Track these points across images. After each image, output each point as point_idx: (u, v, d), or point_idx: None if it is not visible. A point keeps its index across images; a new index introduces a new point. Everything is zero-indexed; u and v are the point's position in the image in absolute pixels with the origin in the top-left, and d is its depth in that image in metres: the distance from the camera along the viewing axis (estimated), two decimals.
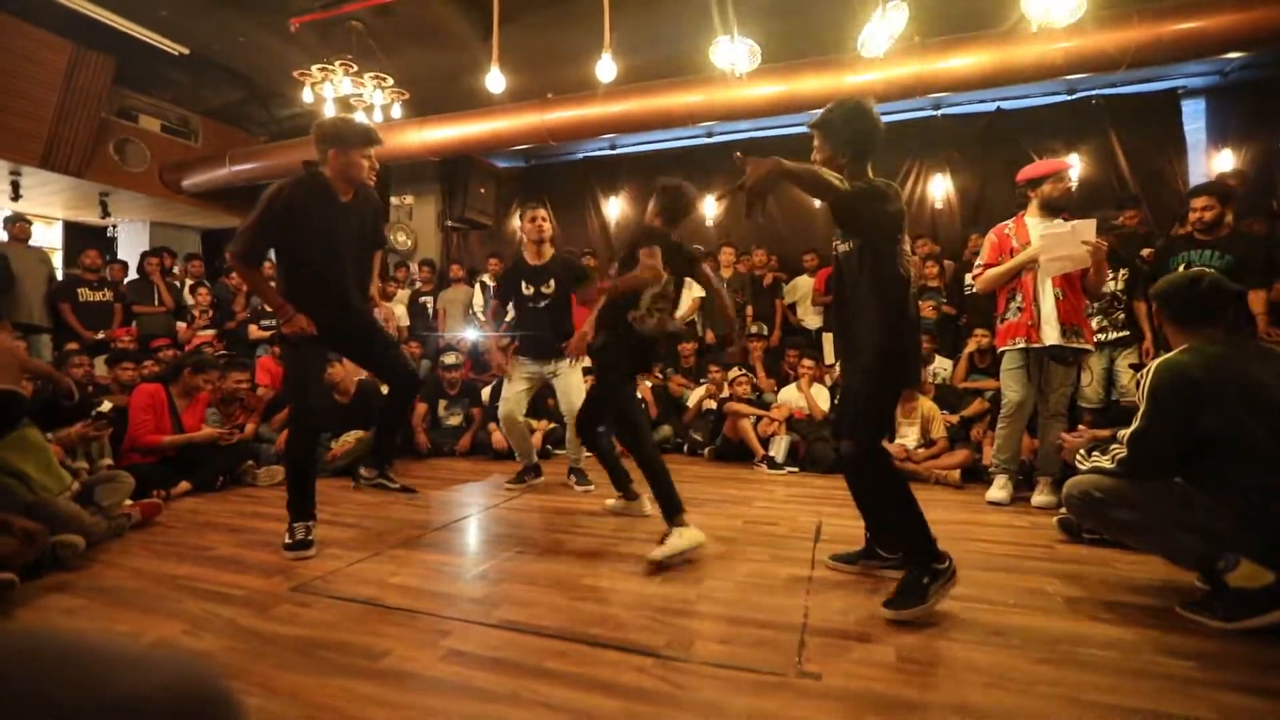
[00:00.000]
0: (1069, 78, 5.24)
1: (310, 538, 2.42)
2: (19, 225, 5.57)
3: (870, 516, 2.17)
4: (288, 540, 2.40)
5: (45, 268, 5.74)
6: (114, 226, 8.49)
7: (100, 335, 5.46)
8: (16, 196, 6.74)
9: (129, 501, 2.82)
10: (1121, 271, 4.04)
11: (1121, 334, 3.94)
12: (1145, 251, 4.18)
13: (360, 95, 5.24)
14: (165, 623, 1.76)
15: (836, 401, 4.88)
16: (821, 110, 2.02)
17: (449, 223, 8.13)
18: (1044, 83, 5.78)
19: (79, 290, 5.57)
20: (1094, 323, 3.98)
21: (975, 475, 3.84)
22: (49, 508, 2.31)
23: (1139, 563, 2.24)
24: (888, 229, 1.91)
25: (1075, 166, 3.36)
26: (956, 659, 1.57)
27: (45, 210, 7.40)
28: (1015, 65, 4.64)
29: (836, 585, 2.07)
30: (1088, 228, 3.05)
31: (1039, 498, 3.18)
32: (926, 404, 4.21)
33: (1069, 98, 6.29)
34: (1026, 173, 3.34)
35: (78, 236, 8.17)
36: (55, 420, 2.74)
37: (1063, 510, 2.89)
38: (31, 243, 5.76)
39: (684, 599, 1.95)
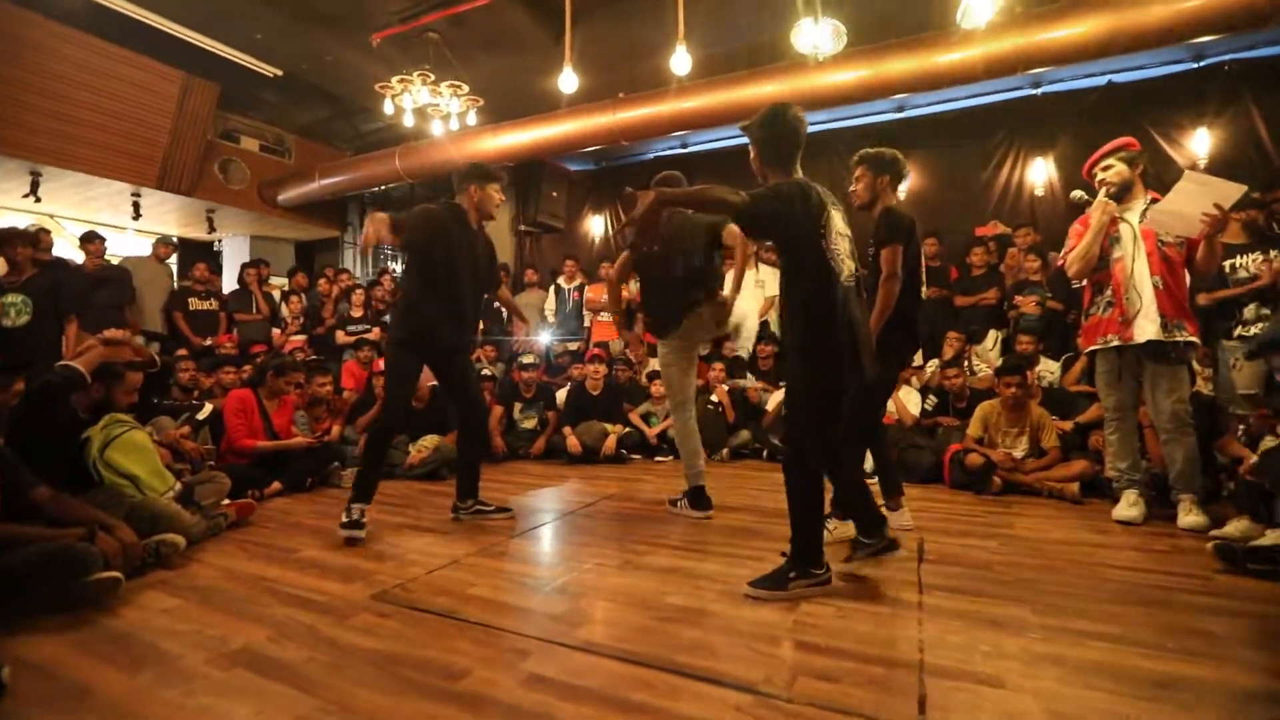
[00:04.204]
0: (1197, 41, 4.65)
1: (363, 520, 2.65)
2: (165, 247, 6.19)
3: (848, 504, 2.26)
4: (344, 519, 2.64)
5: (170, 282, 6.26)
6: (219, 241, 9.17)
7: (207, 342, 5.85)
8: (137, 215, 7.36)
9: (226, 501, 2.94)
10: (1274, 253, 3.52)
11: None
12: None
13: (437, 105, 5.36)
14: (252, 628, 1.76)
15: (928, 406, 4.55)
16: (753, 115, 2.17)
17: (522, 227, 8.25)
18: (1165, 50, 5.18)
19: (189, 300, 6.00)
20: (1247, 312, 3.50)
21: (1096, 489, 3.43)
22: (153, 507, 2.41)
23: None
24: (800, 227, 1.96)
25: (1126, 149, 3.01)
26: (1116, 716, 1.32)
27: (160, 228, 8.05)
28: (1135, 30, 4.13)
29: (952, 615, 1.84)
30: (1229, 191, 2.63)
31: (1187, 518, 2.77)
32: (1036, 410, 3.80)
33: (1196, 65, 5.61)
34: (1087, 163, 3.11)
35: (189, 251, 8.87)
36: (145, 390, 2.92)
37: (1217, 533, 2.54)
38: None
39: (780, 625, 1.77)
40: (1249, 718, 1.31)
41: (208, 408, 3.75)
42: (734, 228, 2.95)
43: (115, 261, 6.07)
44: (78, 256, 5.80)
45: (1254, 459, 1.99)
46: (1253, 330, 3.49)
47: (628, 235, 2.23)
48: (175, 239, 7.09)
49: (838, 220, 2.04)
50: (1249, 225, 3.66)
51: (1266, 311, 3.48)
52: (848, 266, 2.03)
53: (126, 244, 8.17)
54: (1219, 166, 5.25)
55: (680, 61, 3.84)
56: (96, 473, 2.43)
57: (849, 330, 1.97)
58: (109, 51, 5.76)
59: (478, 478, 3.04)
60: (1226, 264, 3.58)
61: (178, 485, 2.68)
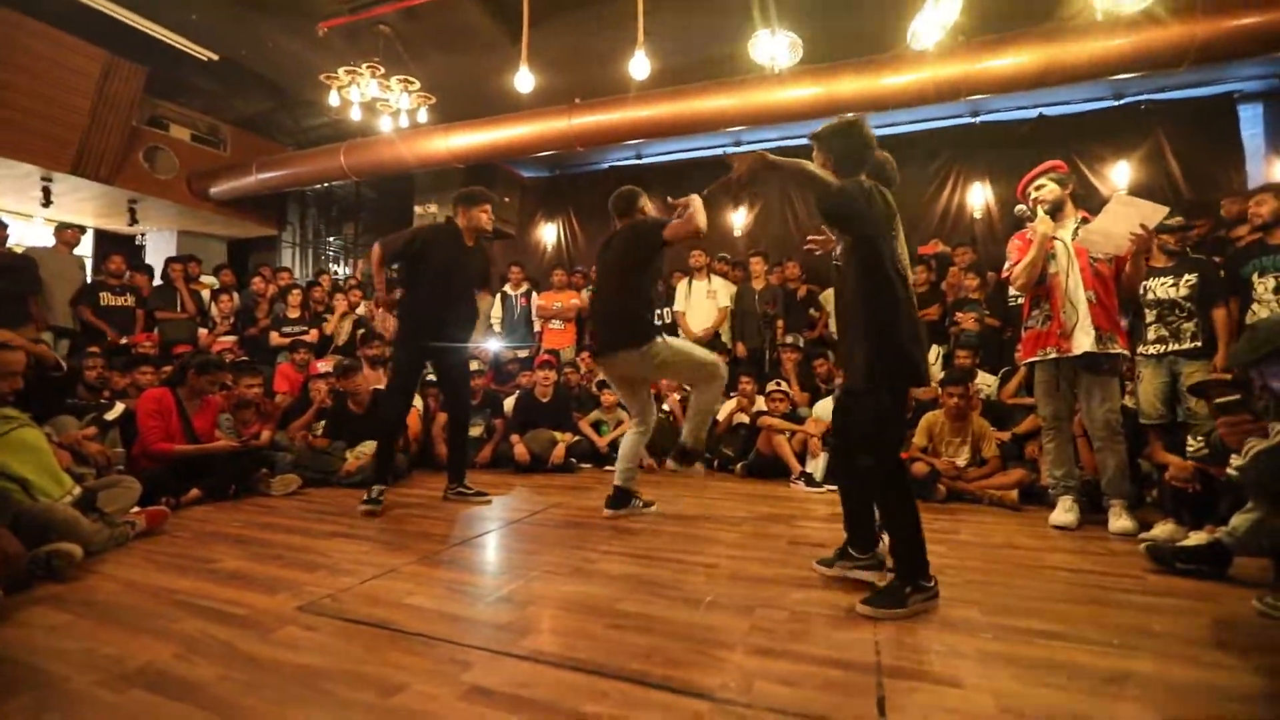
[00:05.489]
0: (1117, 80, 5.00)
1: (381, 497, 3.09)
2: (70, 232, 5.73)
3: (853, 520, 2.18)
4: (364, 498, 3.09)
5: (81, 274, 5.77)
6: (142, 235, 8.56)
7: (123, 340, 5.41)
8: (47, 203, 6.79)
9: (136, 508, 2.67)
10: (1186, 278, 3.75)
11: (1186, 346, 3.62)
12: (1216, 259, 3.90)
13: (386, 100, 5.18)
14: (156, 644, 1.57)
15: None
16: (822, 124, 2.16)
17: None
18: (1090, 87, 5.55)
19: (101, 294, 5.55)
20: (1150, 332, 3.71)
21: (1033, 497, 3.55)
22: (45, 514, 2.16)
23: (1250, 597, 1.95)
24: (877, 224, 1.98)
25: (1056, 171, 3.19)
26: (1070, 712, 1.32)
27: (75, 217, 7.45)
28: (1067, 64, 4.40)
29: (905, 617, 1.82)
30: (1153, 213, 2.82)
31: (1118, 523, 2.88)
32: (977, 420, 3.92)
33: (1116, 103, 6.04)
34: (1021, 183, 3.24)
35: (108, 245, 8.24)
36: (49, 394, 2.64)
37: (1146, 536, 2.65)
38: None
39: (736, 630, 1.71)
40: (1195, 708, 1.33)
41: (119, 407, 3.44)
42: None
43: (19, 250, 5.57)
44: None
45: (1236, 462, 2.06)
46: (1152, 350, 3.69)
47: (728, 191, 2.36)
48: (90, 228, 6.57)
49: (900, 229, 2.10)
50: (1165, 249, 3.89)
51: (1165, 333, 3.68)
52: (910, 274, 2.08)
53: (35, 234, 7.52)
54: (1137, 196, 5.64)
55: (639, 66, 3.83)
56: None
57: (916, 329, 2.01)
58: (20, 23, 5.32)
59: (464, 464, 3.48)
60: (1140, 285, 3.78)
61: (77, 490, 2.41)
